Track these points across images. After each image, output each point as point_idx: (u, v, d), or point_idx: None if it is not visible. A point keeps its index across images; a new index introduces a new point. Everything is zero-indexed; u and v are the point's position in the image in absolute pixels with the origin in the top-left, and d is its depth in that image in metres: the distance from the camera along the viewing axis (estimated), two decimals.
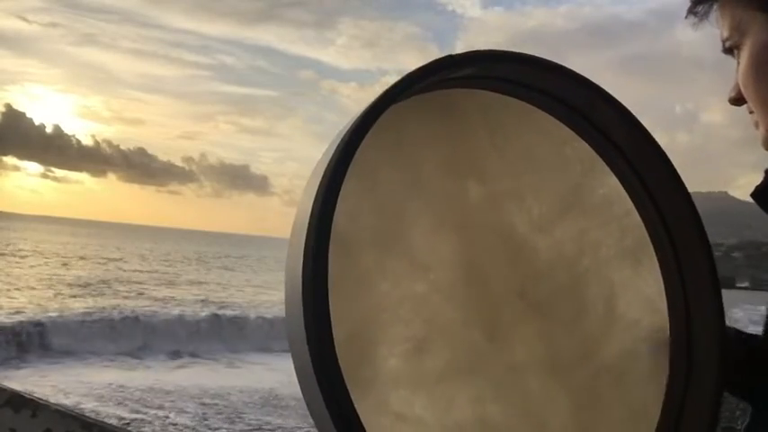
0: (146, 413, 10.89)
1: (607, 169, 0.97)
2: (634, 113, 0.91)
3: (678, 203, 0.94)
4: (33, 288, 26.94)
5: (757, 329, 0.98)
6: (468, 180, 0.91)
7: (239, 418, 11.01)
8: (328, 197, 0.70)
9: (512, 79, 0.90)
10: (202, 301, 26.87)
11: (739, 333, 0.99)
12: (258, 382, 13.62)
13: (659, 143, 0.93)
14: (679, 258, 0.96)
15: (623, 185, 0.97)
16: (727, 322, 0.94)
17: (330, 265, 0.69)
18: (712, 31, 0.92)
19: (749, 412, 0.94)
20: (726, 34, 0.89)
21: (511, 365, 0.90)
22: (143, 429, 10.01)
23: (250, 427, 10.58)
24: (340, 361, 0.68)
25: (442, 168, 0.89)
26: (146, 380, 13.38)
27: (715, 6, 0.90)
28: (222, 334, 18.32)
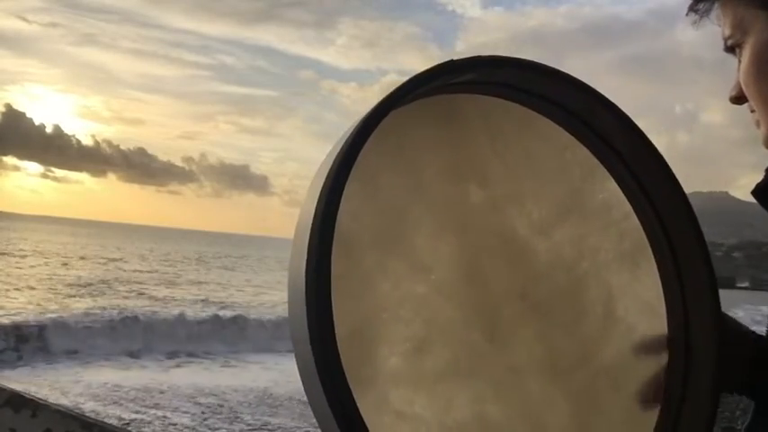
0: (145, 413, 10.88)
1: (606, 174, 0.98)
2: (634, 113, 0.91)
3: (676, 207, 0.95)
4: (33, 288, 26.90)
5: (760, 329, 0.98)
6: (470, 184, 0.91)
7: (237, 418, 10.99)
8: (331, 199, 0.71)
9: (512, 84, 0.91)
10: (203, 301, 26.83)
11: (751, 333, 0.99)
12: (253, 381, 13.57)
13: (659, 144, 0.93)
14: (677, 261, 0.96)
15: (622, 190, 0.98)
16: None
17: (333, 265, 0.70)
18: (712, 31, 0.92)
19: (750, 412, 0.94)
20: (727, 32, 0.89)
21: (510, 366, 0.90)
22: (143, 429, 10.00)
23: (250, 428, 10.57)
24: (342, 360, 0.69)
25: (443, 173, 0.90)
26: (144, 379, 13.34)
27: (716, 4, 0.90)
28: (222, 334, 18.28)
